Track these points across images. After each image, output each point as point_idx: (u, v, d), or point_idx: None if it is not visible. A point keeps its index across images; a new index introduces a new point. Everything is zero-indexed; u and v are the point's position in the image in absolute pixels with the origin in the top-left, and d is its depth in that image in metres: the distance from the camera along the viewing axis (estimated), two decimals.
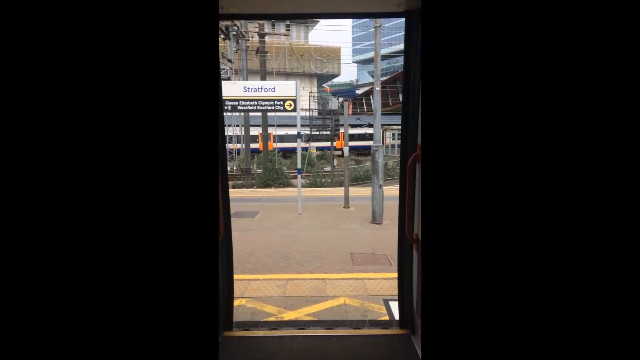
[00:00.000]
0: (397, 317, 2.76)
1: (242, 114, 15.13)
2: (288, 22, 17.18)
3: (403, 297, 2.49)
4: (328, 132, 16.59)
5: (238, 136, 20.10)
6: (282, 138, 24.39)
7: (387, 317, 3.18)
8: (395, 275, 2.65)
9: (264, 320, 3.10)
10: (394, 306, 3.19)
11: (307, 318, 3.18)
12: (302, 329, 2.61)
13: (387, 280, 4.02)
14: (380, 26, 7.85)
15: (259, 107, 7.65)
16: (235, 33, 14.77)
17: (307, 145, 21.31)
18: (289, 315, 3.23)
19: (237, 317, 2.98)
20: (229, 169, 11.24)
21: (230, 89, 7.52)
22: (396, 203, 2.45)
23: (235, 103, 7.59)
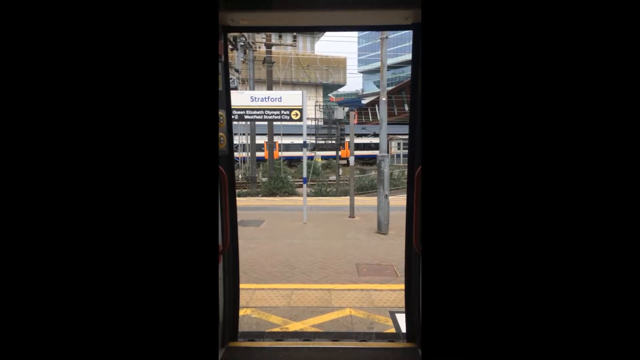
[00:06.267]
0: (404, 329, 2.73)
1: (248, 122, 15.26)
2: (295, 33, 17.43)
3: (410, 310, 2.46)
4: (333, 142, 16.63)
5: (244, 145, 20.22)
6: (287, 147, 24.49)
7: (393, 330, 3.13)
8: (402, 286, 2.62)
9: (269, 330, 3.07)
10: (401, 318, 3.14)
11: (313, 329, 3.14)
12: (308, 340, 2.58)
13: (393, 291, 3.97)
14: (386, 37, 7.92)
15: (265, 117, 7.72)
16: (242, 44, 15.00)
17: (312, 154, 21.36)
18: (294, 326, 3.20)
19: (242, 327, 2.96)
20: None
21: (238, 98, 7.61)
22: (402, 213, 2.44)
23: (242, 112, 7.67)
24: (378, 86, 10.18)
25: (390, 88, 33.42)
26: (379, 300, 3.75)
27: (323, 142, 18.91)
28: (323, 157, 24.24)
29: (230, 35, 14.05)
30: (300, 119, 7.61)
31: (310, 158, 20.46)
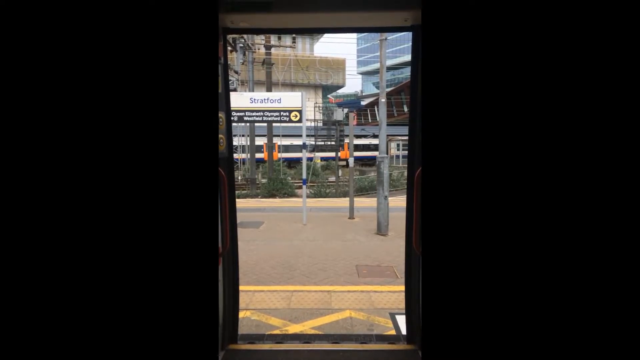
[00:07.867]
0: (404, 331, 2.72)
1: (248, 124, 15.26)
2: (294, 35, 17.45)
3: (411, 312, 2.46)
4: (333, 143, 16.63)
5: (243, 146, 20.22)
6: (287, 148, 24.49)
7: (393, 332, 3.13)
8: (402, 288, 2.62)
9: (269, 333, 3.06)
10: (401, 320, 3.14)
11: (312, 331, 3.13)
12: (308, 342, 2.58)
13: (393, 293, 3.96)
14: (385, 39, 7.93)
15: (265, 118, 7.71)
16: (242, 45, 15.01)
17: (312, 155, 21.37)
18: (293, 329, 3.19)
19: (242, 329, 2.95)
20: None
21: (237, 100, 7.61)
22: (401, 214, 2.44)
23: (241, 114, 7.67)
24: (377, 87, 10.21)
25: (389, 89, 33.48)
26: (379, 302, 3.74)
27: (322, 143, 18.92)
28: (322, 159, 24.24)
29: (230, 36, 14.06)
30: (300, 121, 7.61)
31: (310, 159, 20.47)
